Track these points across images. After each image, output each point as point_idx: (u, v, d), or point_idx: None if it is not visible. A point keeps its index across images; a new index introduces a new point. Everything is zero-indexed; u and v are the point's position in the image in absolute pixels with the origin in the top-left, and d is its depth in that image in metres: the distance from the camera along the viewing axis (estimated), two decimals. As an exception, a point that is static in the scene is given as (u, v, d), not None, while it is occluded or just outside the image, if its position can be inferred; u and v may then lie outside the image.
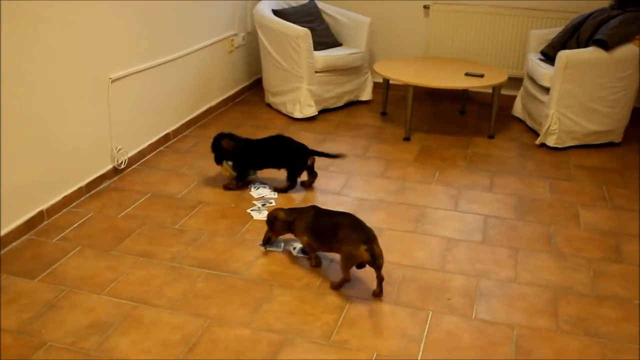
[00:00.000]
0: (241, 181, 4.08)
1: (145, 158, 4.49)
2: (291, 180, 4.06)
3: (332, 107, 5.50)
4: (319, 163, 4.41)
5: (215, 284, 3.10)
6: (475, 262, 3.33)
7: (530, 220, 3.78)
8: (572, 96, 4.65)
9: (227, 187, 4.08)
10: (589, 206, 3.98)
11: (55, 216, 3.69)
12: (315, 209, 3.24)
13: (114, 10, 3.97)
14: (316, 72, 5.20)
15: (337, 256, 3.10)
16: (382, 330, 2.79)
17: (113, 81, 4.05)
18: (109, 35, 3.96)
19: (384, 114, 5.50)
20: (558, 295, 3.08)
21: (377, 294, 3.01)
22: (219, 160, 4.07)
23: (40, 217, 3.60)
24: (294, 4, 5.73)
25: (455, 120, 5.42)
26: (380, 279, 3.00)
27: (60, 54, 3.58)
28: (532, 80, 5.09)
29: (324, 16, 5.74)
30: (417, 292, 3.06)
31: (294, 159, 4.04)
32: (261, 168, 4.17)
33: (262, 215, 3.71)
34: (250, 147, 4.07)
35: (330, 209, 3.31)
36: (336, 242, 3.02)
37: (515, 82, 5.72)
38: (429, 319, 2.87)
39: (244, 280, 3.14)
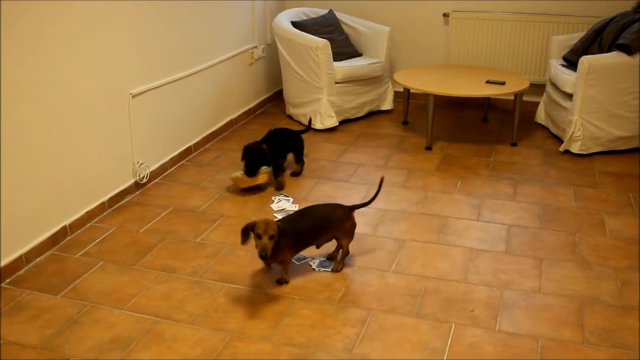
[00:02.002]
0: (281, 172, 4.29)
1: (167, 172, 4.51)
2: (301, 160, 4.47)
3: (353, 117, 5.49)
4: (341, 174, 4.42)
5: (236, 298, 3.10)
6: (499, 272, 3.29)
7: (554, 229, 3.73)
8: (595, 102, 4.59)
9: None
10: (614, 213, 3.91)
11: (78, 231, 3.71)
12: (284, 223, 3.12)
13: (133, 26, 4.00)
14: (336, 82, 5.19)
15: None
16: (404, 343, 2.76)
17: (134, 96, 4.08)
18: (129, 51, 3.99)
19: (405, 123, 5.48)
20: (584, 305, 3.02)
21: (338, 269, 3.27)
22: (255, 170, 4.11)
23: (63, 232, 3.62)
24: (313, 15, 5.74)
25: (478, 128, 5.38)
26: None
27: (81, 70, 3.61)
28: (555, 86, 5.04)
29: (343, 26, 5.74)
30: (439, 304, 3.03)
31: (298, 141, 4.45)
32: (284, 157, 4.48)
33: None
34: (270, 144, 4.24)
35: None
36: (332, 228, 3.22)
37: (537, 88, 5.67)
38: (451, 332, 2.83)
39: (265, 294, 3.13)
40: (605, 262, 3.38)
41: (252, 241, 3.00)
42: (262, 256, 2.91)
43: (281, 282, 3.20)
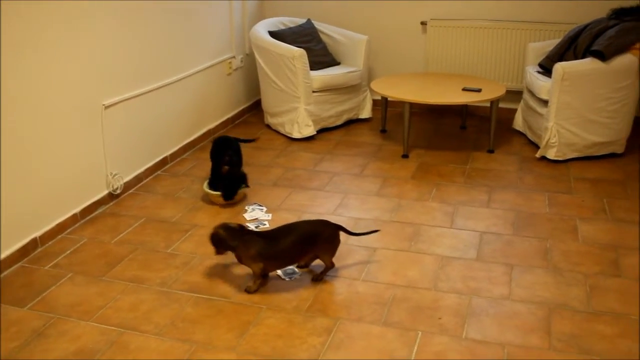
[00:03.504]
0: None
1: (142, 182, 4.49)
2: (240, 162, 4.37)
3: (331, 126, 5.49)
4: (317, 183, 4.42)
5: (204, 308, 3.08)
6: (469, 279, 3.28)
7: (527, 235, 3.72)
8: (570, 108, 4.60)
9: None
10: (588, 219, 3.91)
11: (49, 243, 3.69)
12: (261, 236, 3.15)
13: (106, 36, 3.99)
14: (313, 91, 5.19)
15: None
16: (370, 352, 2.75)
17: (106, 107, 4.07)
18: (100, 62, 3.98)
19: (383, 131, 5.48)
20: (552, 312, 3.01)
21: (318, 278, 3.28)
22: (234, 195, 4.10)
23: (33, 244, 3.60)
24: (291, 24, 5.74)
25: (456, 136, 5.38)
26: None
27: (52, 80, 3.60)
28: (531, 93, 5.05)
29: (321, 36, 5.74)
30: (407, 313, 3.01)
31: (235, 151, 4.36)
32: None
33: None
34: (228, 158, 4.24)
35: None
36: (316, 247, 3.20)
37: (515, 95, 5.69)
38: (418, 340, 2.82)
39: (233, 303, 3.11)
40: (576, 268, 3.38)
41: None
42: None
43: (248, 290, 3.19)
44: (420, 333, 2.86)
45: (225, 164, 4.11)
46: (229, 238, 3.13)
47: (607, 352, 2.74)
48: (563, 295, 3.14)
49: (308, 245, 3.18)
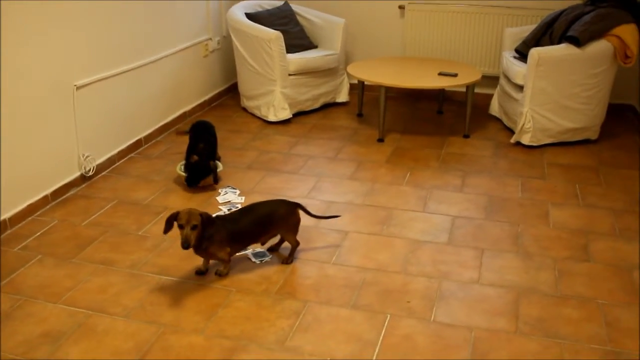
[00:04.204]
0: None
1: (115, 165, 4.46)
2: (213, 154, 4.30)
3: (308, 109, 5.47)
4: (291, 166, 4.41)
5: (173, 290, 3.06)
6: (439, 263, 3.29)
7: (498, 220, 3.74)
8: (545, 93, 4.61)
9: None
10: (559, 204, 3.93)
11: (19, 225, 3.66)
12: (221, 220, 3.09)
13: (78, 15, 3.94)
14: (290, 74, 5.16)
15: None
16: (338, 334, 2.75)
17: (78, 88, 4.02)
18: (73, 41, 3.93)
19: (359, 115, 5.47)
20: (520, 295, 3.03)
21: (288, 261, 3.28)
22: (196, 183, 4.08)
23: (3, 226, 3.56)
24: (268, 6, 5.70)
25: (432, 121, 5.38)
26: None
27: (22, 60, 3.55)
28: (507, 78, 5.06)
29: (299, 18, 5.71)
30: (376, 296, 3.02)
31: (212, 136, 4.35)
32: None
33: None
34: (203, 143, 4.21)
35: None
36: (275, 225, 3.19)
37: (493, 80, 5.69)
38: (386, 323, 2.83)
39: (202, 286, 3.10)
40: (546, 253, 3.40)
41: (175, 231, 2.98)
42: (184, 247, 2.87)
43: (219, 274, 3.17)
44: (389, 316, 2.87)
45: (196, 152, 4.08)
46: (207, 227, 2.97)
47: (572, 335, 2.76)
48: (532, 279, 3.16)
49: (267, 224, 3.18)
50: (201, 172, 4.04)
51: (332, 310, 2.91)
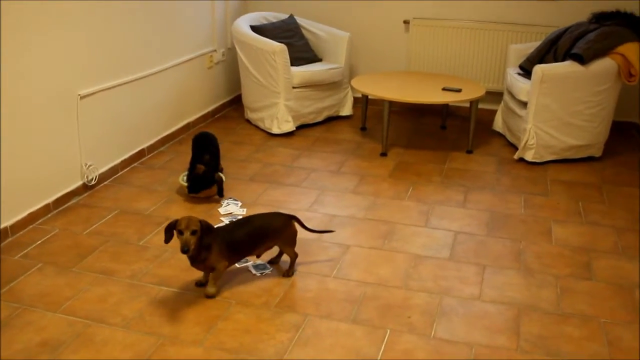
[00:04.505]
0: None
1: (118, 174, 4.46)
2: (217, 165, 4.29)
3: (311, 122, 5.47)
4: (294, 179, 4.41)
5: (173, 301, 3.06)
6: (440, 279, 3.28)
7: (500, 236, 3.73)
8: (549, 110, 4.61)
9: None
10: (562, 222, 3.92)
11: (20, 233, 3.65)
12: (217, 233, 3.05)
13: (84, 25, 3.95)
14: (294, 87, 5.17)
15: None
16: (337, 349, 2.74)
17: (82, 97, 4.03)
18: (78, 51, 3.94)
19: (363, 129, 5.47)
20: (522, 313, 3.02)
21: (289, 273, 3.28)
22: (198, 190, 4.07)
23: (4, 233, 3.56)
24: (273, 19, 5.72)
25: (435, 135, 5.38)
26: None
27: (27, 69, 3.56)
28: (511, 94, 5.06)
29: (304, 32, 5.72)
30: (376, 311, 3.01)
31: (216, 146, 4.33)
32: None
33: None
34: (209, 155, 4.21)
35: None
36: (271, 238, 3.18)
37: (496, 96, 5.70)
38: (386, 338, 2.81)
39: (202, 297, 3.09)
40: (548, 270, 3.38)
41: (175, 242, 2.98)
42: (184, 251, 2.85)
43: (209, 295, 3.09)
44: (388, 331, 2.86)
45: (202, 163, 4.08)
46: (206, 234, 2.95)
47: (573, 354, 2.74)
48: (533, 296, 3.15)
49: (263, 237, 3.16)
50: (205, 182, 4.03)
51: (332, 324, 2.90)
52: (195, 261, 3.00)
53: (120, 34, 4.32)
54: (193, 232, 2.87)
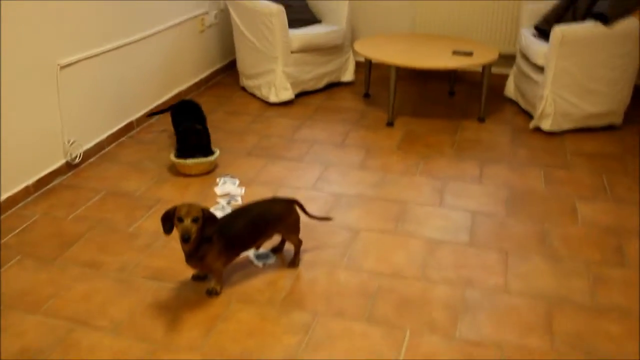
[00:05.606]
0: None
1: (104, 151, 4.12)
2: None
3: (311, 89, 5.12)
4: (295, 153, 4.10)
5: (167, 299, 2.75)
6: (461, 267, 2.98)
7: (522, 216, 3.42)
8: (568, 75, 4.28)
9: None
10: (587, 198, 3.62)
11: (-3, 220, 3.34)
12: (220, 225, 2.74)
13: (59, -11, 3.58)
14: (292, 52, 4.81)
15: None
16: (353, 353, 2.45)
17: (62, 67, 3.67)
18: (56, 16, 3.57)
19: (366, 96, 5.13)
20: (553, 306, 2.73)
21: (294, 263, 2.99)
22: (189, 153, 3.78)
23: (-21, 221, 3.24)
24: (268, -22, 5.32)
25: (443, 102, 5.04)
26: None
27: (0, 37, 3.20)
28: (526, 58, 4.71)
29: (302, -9, 5.34)
30: (393, 306, 2.71)
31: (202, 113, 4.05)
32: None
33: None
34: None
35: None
36: (272, 227, 2.85)
37: (508, 59, 5.35)
38: (406, 340, 2.52)
39: (199, 293, 2.79)
40: (576, 255, 3.09)
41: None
42: (185, 239, 2.52)
43: (211, 293, 2.78)
44: (408, 331, 2.57)
45: (195, 133, 3.76)
46: (208, 224, 2.62)
47: (615, 354, 2.46)
48: (563, 287, 2.86)
49: (262, 226, 2.81)
50: (199, 140, 3.77)
51: (345, 323, 2.60)
52: (191, 257, 2.66)
53: (102, -4, 3.94)
54: (194, 220, 2.54)
